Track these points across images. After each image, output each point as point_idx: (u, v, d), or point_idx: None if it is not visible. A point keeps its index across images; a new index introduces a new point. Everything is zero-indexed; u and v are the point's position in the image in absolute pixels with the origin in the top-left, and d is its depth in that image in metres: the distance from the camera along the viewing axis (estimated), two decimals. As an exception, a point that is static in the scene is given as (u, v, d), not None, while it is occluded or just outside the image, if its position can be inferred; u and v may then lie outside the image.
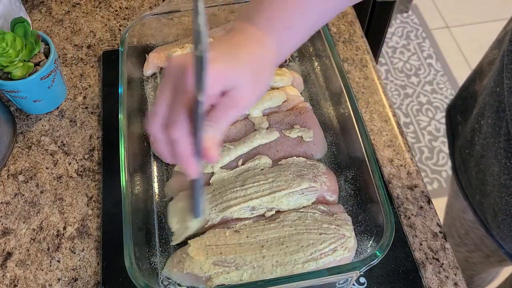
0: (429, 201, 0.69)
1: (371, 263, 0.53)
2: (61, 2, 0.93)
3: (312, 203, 0.63)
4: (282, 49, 0.52)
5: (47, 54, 0.73)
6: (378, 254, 0.53)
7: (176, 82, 0.45)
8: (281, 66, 0.79)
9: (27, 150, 0.75)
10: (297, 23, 0.51)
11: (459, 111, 0.84)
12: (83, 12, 0.91)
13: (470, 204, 0.80)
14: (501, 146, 0.65)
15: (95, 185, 0.71)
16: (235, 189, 0.62)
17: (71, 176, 0.72)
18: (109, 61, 0.83)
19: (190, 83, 0.43)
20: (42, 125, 0.77)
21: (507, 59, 0.63)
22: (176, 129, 0.45)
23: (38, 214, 0.69)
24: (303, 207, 0.62)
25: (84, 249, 0.66)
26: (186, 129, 0.45)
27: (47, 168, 0.73)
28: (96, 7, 0.92)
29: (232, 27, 0.51)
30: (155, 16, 0.75)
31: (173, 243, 0.62)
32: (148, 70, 0.78)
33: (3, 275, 0.64)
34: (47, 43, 0.73)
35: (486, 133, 0.70)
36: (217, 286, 0.57)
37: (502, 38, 0.75)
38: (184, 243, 0.62)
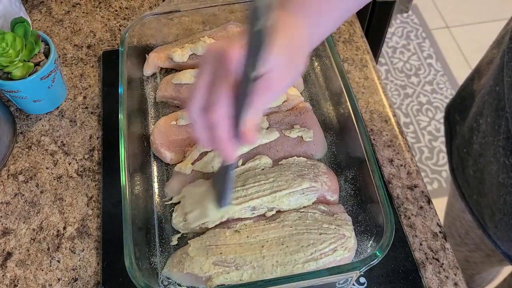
0: (429, 201, 0.69)
1: (371, 263, 0.53)
2: (61, 2, 0.93)
3: (312, 203, 0.63)
4: (314, 36, 0.53)
5: (47, 54, 0.73)
6: (378, 254, 0.53)
7: (216, 67, 0.46)
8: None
9: (27, 150, 0.75)
10: (327, 11, 0.53)
11: (457, 111, 0.84)
12: (83, 12, 0.91)
13: (467, 204, 0.80)
14: (500, 145, 0.65)
15: (95, 185, 0.71)
16: (235, 189, 0.62)
17: (71, 176, 0.72)
18: (109, 61, 0.83)
19: (235, 67, 0.44)
20: (42, 125, 0.77)
21: (507, 56, 0.63)
22: (216, 112, 0.46)
23: (38, 214, 0.69)
24: (304, 207, 0.62)
25: (84, 249, 0.66)
26: (226, 112, 0.46)
27: (47, 168, 0.73)
28: (96, 7, 0.92)
29: None
30: (155, 16, 0.75)
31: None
32: (148, 70, 0.78)
33: (3, 275, 0.64)
34: (47, 43, 0.73)
35: (485, 132, 0.70)
36: (217, 286, 0.57)
37: (502, 38, 0.75)
38: (184, 243, 0.62)
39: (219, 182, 0.54)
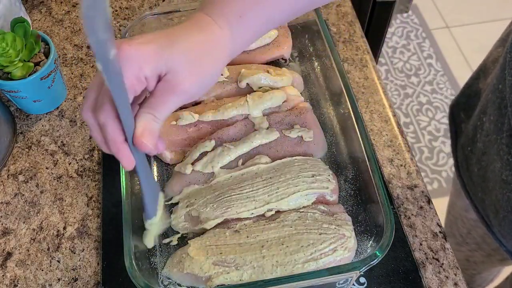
0: (429, 201, 0.69)
1: (371, 263, 0.53)
2: (61, 2, 0.93)
3: (312, 203, 0.63)
4: (236, 35, 0.50)
5: (47, 54, 0.73)
6: (378, 254, 0.53)
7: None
8: (281, 66, 0.79)
9: (27, 150, 0.75)
10: (250, 13, 0.49)
11: (462, 109, 0.84)
12: (83, 12, 0.91)
13: (472, 202, 0.80)
14: (503, 142, 0.66)
15: (95, 185, 0.71)
16: (235, 190, 0.62)
17: (71, 176, 0.72)
18: (109, 61, 0.83)
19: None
20: (42, 125, 0.77)
21: (509, 56, 0.63)
22: (102, 113, 0.43)
23: (38, 214, 0.69)
24: (303, 207, 0.62)
25: (84, 249, 0.66)
26: (113, 114, 0.43)
27: (47, 168, 0.73)
28: (96, 7, 0.92)
29: (186, 17, 0.51)
30: (155, 16, 0.75)
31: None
32: (148, 70, 0.78)
33: (3, 275, 0.64)
34: (47, 43, 0.73)
35: (488, 130, 0.70)
36: (217, 286, 0.57)
37: (507, 36, 0.75)
38: (184, 243, 0.62)
39: (141, 193, 0.49)
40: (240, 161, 0.66)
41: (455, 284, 0.63)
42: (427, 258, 0.64)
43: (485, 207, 0.76)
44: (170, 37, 0.46)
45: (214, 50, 0.48)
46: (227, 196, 0.62)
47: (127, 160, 0.45)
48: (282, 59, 0.79)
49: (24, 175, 0.72)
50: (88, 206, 0.69)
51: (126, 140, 0.44)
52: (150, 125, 0.44)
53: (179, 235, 0.63)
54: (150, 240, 0.56)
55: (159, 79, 0.45)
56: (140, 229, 0.60)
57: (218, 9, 0.49)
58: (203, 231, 0.62)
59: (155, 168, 0.69)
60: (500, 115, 0.67)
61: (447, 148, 1.86)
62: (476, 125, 0.75)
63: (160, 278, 0.60)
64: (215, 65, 0.48)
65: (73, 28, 0.89)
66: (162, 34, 0.46)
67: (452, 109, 0.89)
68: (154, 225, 0.54)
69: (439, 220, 0.68)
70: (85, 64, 0.84)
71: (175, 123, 0.70)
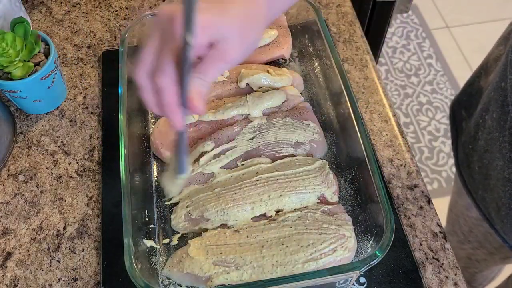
0: (429, 201, 0.69)
1: (371, 263, 0.53)
2: (61, 2, 0.93)
3: (312, 203, 0.63)
4: (273, 4, 0.52)
5: (47, 54, 0.73)
6: (378, 254, 0.53)
7: (164, 31, 0.46)
8: (281, 66, 0.79)
9: (27, 150, 0.75)
10: None
11: (463, 107, 0.84)
12: (83, 12, 0.91)
13: (473, 199, 0.80)
14: (506, 140, 0.66)
15: (95, 185, 0.71)
16: (235, 189, 0.62)
17: (71, 176, 0.72)
18: (109, 61, 0.83)
19: (179, 30, 0.43)
20: (42, 125, 0.77)
21: (511, 55, 0.63)
22: (163, 77, 0.45)
23: (38, 214, 0.69)
24: (304, 207, 0.62)
25: (84, 249, 0.66)
26: (173, 78, 0.45)
27: (47, 168, 0.73)
28: (96, 7, 0.92)
29: None
30: (155, 16, 0.75)
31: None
32: (148, 70, 0.78)
33: (3, 275, 0.64)
34: (47, 43, 0.73)
35: (491, 128, 0.70)
36: (217, 286, 0.57)
37: (508, 34, 0.75)
38: (184, 243, 0.62)
39: (175, 152, 0.53)
40: (240, 161, 0.66)
41: (455, 284, 0.63)
42: (427, 258, 0.64)
43: (486, 204, 0.76)
44: (220, 5, 0.47)
45: (257, 18, 0.50)
46: (228, 196, 0.62)
47: (179, 121, 0.48)
48: (282, 59, 0.79)
49: (24, 175, 0.72)
50: (88, 206, 0.69)
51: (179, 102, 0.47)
52: (202, 89, 0.46)
53: (179, 235, 0.63)
54: (178, 190, 0.61)
55: (209, 46, 0.47)
56: (140, 229, 0.60)
57: None
58: (203, 231, 0.62)
59: (155, 168, 0.70)
60: (502, 113, 0.67)
61: (447, 148, 1.86)
62: (478, 123, 0.75)
63: (160, 278, 0.60)
64: (258, 32, 0.50)
65: (73, 28, 0.89)
66: (212, 2, 0.47)
67: (453, 107, 0.89)
68: (182, 180, 0.58)
69: (439, 220, 0.68)
70: (85, 64, 0.84)
71: (175, 123, 0.70)
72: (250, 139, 0.67)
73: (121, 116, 0.64)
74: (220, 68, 0.47)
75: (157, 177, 0.69)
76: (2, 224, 0.68)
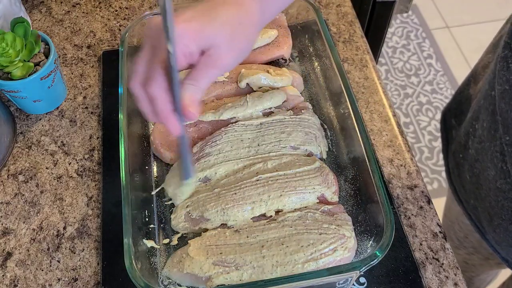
0: (429, 201, 0.69)
1: (371, 263, 0.53)
2: (61, 2, 0.93)
3: (312, 203, 0.63)
4: (266, 8, 0.52)
5: (47, 54, 0.73)
6: (378, 254, 0.53)
7: (153, 41, 0.47)
8: (281, 66, 0.79)
9: (27, 150, 0.75)
10: None
11: (453, 115, 0.84)
12: (83, 12, 0.91)
13: (464, 208, 0.80)
14: (497, 150, 0.65)
15: (95, 185, 0.71)
16: (235, 190, 0.62)
17: (71, 176, 0.72)
18: (109, 61, 0.83)
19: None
20: (42, 125, 0.77)
21: (499, 65, 0.63)
22: (154, 86, 0.46)
23: (38, 214, 0.69)
24: (304, 207, 0.62)
25: (84, 249, 0.66)
26: (164, 86, 0.47)
27: (47, 168, 0.73)
28: (96, 7, 0.92)
29: None
30: (155, 16, 0.75)
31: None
32: (148, 70, 0.78)
33: (3, 275, 0.64)
34: (47, 43, 0.73)
35: (481, 137, 0.69)
36: (217, 286, 0.57)
37: (497, 42, 0.74)
38: (184, 243, 0.62)
39: (179, 157, 0.54)
40: (241, 161, 0.66)
41: (455, 284, 0.63)
42: (427, 258, 0.64)
43: (478, 214, 0.75)
44: (209, 12, 0.48)
45: (248, 24, 0.51)
46: (228, 196, 0.62)
47: (175, 128, 0.49)
48: (282, 59, 0.79)
49: (24, 175, 0.72)
50: (88, 206, 0.69)
51: (173, 109, 0.48)
52: (195, 95, 0.48)
53: (179, 235, 0.63)
54: (185, 196, 0.62)
55: (202, 53, 0.48)
56: (140, 229, 0.60)
57: None
58: (203, 231, 0.62)
59: (155, 168, 0.70)
60: (492, 122, 0.66)
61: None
62: (468, 132, 0.74)
63: (160, 278, 0.60)
64: (250, 38, 0.51)
65: (73, 28, 0.89)
66: (203, 9, 0.48)
67: (444, 116, 0.88)
68: (189, 185, 0.59)
69: (439, 220, 0.68)
70: (85, 64, 0.84)
71: (175, 123, 0.70)
72: (250, 139, 0.67)
73: (121, 116, 0.64)
74: (212, 74, 0.48)
75: (157, 177, 0.69)
76: (2, 224, 0.68)
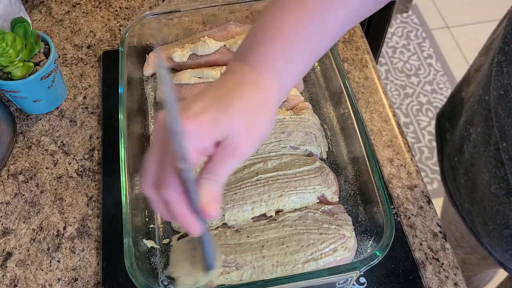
0: (429, 201, 0.69)
1: (371, 263, 0.53)
2: (61, 2, 0.93)
3: (312, 203, 0.63)
4: (283, 84, 0.47)
5: (47, 54, 0.73)
6: (378, 254, 0.53)
7: (163, 138, 0.43)
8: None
9: (27, 150, 0.75)
10: (295, 55, 0.47)
11: (447, 118, 0.84)
12: (83, 12, 0.91)
13: (458, 212, 0.79)
14: (491, 156, 0.65)
15: (95, 185, 0.71)
16: (235, 190, 0.62)
17: (71, 176, 0.72)
18: (109, 61, 0.83)
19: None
20: (42, 125, 0.77)
21: (494, 70, 0.62)
22: (168, 189, 0.42)
23: (38, 214, 0.69)
24: (304, 207, 0.62)
25: (84, 249, 0.66)
26: (178, 188, 0.42)
27: (47, 168, 0.73)
28: (96, 7, 0.92)
29: (227, 68, 0.48)
30: (155, 16, 0.75)
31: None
32: (148, 70, 0.78)
33: (3, 275, 0.64)
34: (47, 43, 0.73)
35: (476, 142, 0.69)
36: (217, 286, 0.57)
37: (490, 44, 0.74)
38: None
39: (201, 249, 0.49)
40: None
41: (455, 284, 0.63)
42: (427, 258, 0.64)
43: (472, 218, 0.75)
44: (224, 100, 0.43)
45: (267, 106, 0.46)
46: (228, 196, 0.62)
47: (195, 229, 0.44)
48: (282, 59, 0.79)
49: (24, 175, 0.72)
50: (88, 206, 0.69)
51: (191, 210, 0.44)
52: (213, 192, 0.43)
53: (179, 235, 0.63)
54: (203, 282, 0.54)
55: (217, 144, 0.43)
56: (140, 229, 0.60)
57: (262, 59, 0.46)
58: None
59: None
60: (486, 127, 0.65)
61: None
62: (463, 136, 0.74)
63: (160, 278, 0.60)
64: (269, 121, 0.46)
65: (73, 28, 0.89)
66: (215, 95, 0.44)
67: (438, 118, 0.88)
68: (206, 276, 0.52)
69: (439, 220, 0.68)
70: (85, 64, 0.84)
71: (175, 123, 0.70)
72: None
73: (121, 116, 0.64)
74: (232, 165, 0.44)
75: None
76: (2, 224, 0.68)
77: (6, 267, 0.64)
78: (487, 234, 0.72)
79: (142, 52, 0.78)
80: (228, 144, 0.43)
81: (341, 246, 0.57)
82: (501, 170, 0.63)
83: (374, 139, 0.75)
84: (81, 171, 0.72)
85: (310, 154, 0.67)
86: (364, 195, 0.63)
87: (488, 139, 0.65)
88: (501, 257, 0.73)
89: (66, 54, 0.85)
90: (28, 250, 0.66)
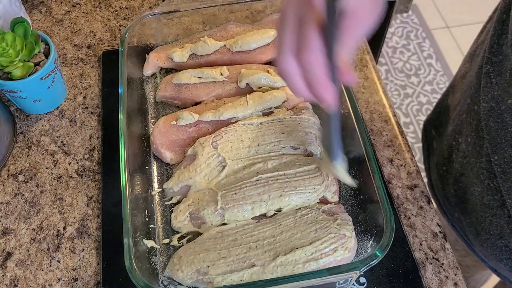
0: (429, 201, 0.69)
1: (371, 263, 0.53)
2: (61, 2, 0.93)
3: (312, 203, 0.63)
4: None
5: (47, 54, 0.73)
6: (378, 254, 0.53)
7: (299, 8, 0.43)
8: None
9: (27, 150, 0.75)
10: None
11: (433, 126, 0.83)
12: (83, 12, 0.91)
13: (449, 220, 0.79)
14: (483, 167, 0.64)
15: (95, 185, 0.71)
16: (235, 190, 0.62)
17: (71, 176, 0.72)
18: (109, 61, 0.83)
19: (318, 3, 0.41)
20: (42, 125, 0.77)
21: (483, 81, 0.62)
22: (310, 52, 0.42)
23: (38, 214, 0.69)
24: (304, 207, 0.62)
25: (84, 249, 0.66)
26: (322, 50, 0.42)
27: (47, 168, 0.73)
28: (96, 7, 0.92)
29: None
30: (155, 16, 0.75)
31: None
32: (148, 70, 0.78)
33: (3, 275, 0.64)
34: (47, 43, 0.73)
35: (466, 152, 0.68)
36: (218, 286, 0.57)
37: (474, 52, 0.73)
38: (184, 243, 0.62)
39: (326, 137, 0.48)
40: (241, 161, 0.66)
41: (455, 284, 0.63)
42: (427, 258, 0.64)
43: (463, 227, 0.74)
44: None
45: None
46: (228, 196, 0.62)
47: (333, 97, 0.44)
48: (282, 59, 0.79)
49: (24, 175, 0.72)
50: (88, 206, 0.69)
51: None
52: (347, 58, 0.44)
53: (179, 235, 0.63)
54: (349, 178, 0.56)
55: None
56: (140, 229, 0.60)
57: None
58: (203, 231, 0.62)
59: (155, 168, 0.70)
60: (477, 138, 0.65)
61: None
62: (451, 145, 0.73)
63: (160, 278, 0.60)
64: (382, 3, 0.47)
65: (73, 28, 0.89)
66: None
67: (425, 126, 0.87)
68: (341, 166, 0.53)
69: (439, 220, 0.68)
70: (85, 64, 0.84)
71: (175, 123, 0.70)
72: (250, 138, 0.67)
73: (121, 116, 0.64)
74: (359, 33, 0.44)
75: (157, 176, 0.69)
76: (2, 224, 0.68)
77: (6, 267, 0.64)
78: (480, 244, 0.71)
79: (142, 52, 0.78)
80: (355, 11, 0.43)
81: (341, 246, 0.57)
82: (494, 182, 0.62)
83: (374, 139, 0.75)
84: (81, 171, 0.72)
85: (310, 154, 0.67)
86: (364, 195, 0.63)
87: (480, 150, 0.64)
88: (495, 265, 0.73)
89: (66, 54, 0.85)
90: (28, 250, 0.66)
